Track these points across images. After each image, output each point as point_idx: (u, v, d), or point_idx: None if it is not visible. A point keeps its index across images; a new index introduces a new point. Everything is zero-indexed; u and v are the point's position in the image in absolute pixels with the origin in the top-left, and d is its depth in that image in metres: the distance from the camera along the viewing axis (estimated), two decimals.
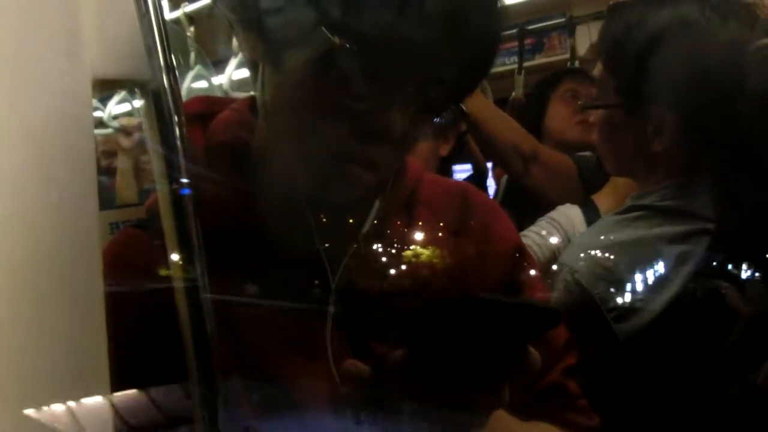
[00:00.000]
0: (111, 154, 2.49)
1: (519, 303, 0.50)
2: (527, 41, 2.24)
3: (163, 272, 0.47)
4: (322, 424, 0.59)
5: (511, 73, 2.16)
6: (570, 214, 1.26)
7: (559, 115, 1.70)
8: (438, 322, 0.49)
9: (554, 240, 1.20)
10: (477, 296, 0.48)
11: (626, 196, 0.95)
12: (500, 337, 0.49)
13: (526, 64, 2.18)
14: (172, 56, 0.47)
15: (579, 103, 1.67)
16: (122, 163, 2.30)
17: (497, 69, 2.37)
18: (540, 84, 1.84)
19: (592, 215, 1.24)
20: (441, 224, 0.68)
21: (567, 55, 2.16)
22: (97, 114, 2.31)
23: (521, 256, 0.71)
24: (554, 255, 1.16)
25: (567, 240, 1.22)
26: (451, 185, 0.74)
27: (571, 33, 2.10)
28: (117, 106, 2.36)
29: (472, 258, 0.67)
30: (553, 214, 1.27)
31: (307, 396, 0.60)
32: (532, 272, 0.73)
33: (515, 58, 2.11)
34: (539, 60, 2.45)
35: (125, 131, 2.30)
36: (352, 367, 0.52)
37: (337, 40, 0.52)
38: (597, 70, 0.97)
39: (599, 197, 1.29)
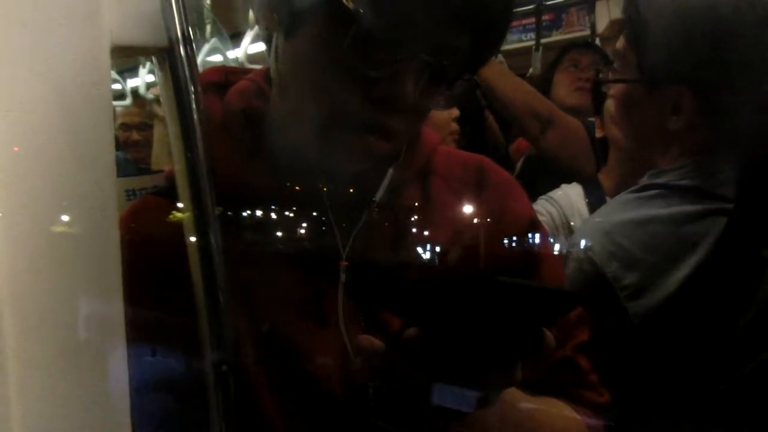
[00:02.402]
0: (131, 126, 2.51)
1: (535, 287, 0.50)
2: (545, 17, 2.21)
3: (179, 237, 0.48)
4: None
5: (528, 49, 2.14)
6: (570, 193, 1.26)
7: (562, 84, 1.85)
8: (452, 300, 0.49)
9: (545, 219, 1.21)
10: (493, 278, 0.47)
11: (633, 175, 0.94)
12: (516, 320, 0.49)
13: (543, 40, 2.16)
14: (189, 26, 0.47)
15: (597, 74, 1.74)
16: (159, 130, 2.32)
17: (515, 45, 2.35)
18: (549, 62, 1.98)
19: (595, 194, 1.24)
20: (455, 196, 0.68)
21: (586, 32, 2.13)
22: (132, 84, 2.33)
23: (536, 231, 0.70)
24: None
25: (564, 219, 1.22)
26: (467, 157, 0.73)
27: (591, 9, 2.07)
28: (150, 75, 2.35)
29: (486, 232, 0.67)
30: (553, 192, 1.27)
31: (318, 364, 0.61)
32: (548, 249, 0.72)
33: (533, 35, 2.09)
34: (557, 36, 2.41)
35: (159, 101, 2.32)
36: (366, 342, 0.52)
37: (351, 5, 0.52)
38: (619, 43, 0.95)
39: (604, 175, 1.29)
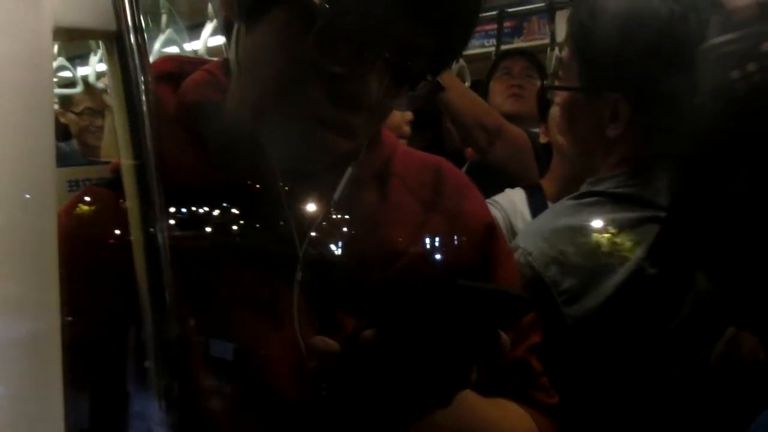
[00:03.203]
0: (96, 111, 2.42)
1: (492, 290, 0.50)
2: (506, 24, 2.25)
3: (124, 231, 0.46)
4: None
5: (489, 55, 2.17)
6: (514, 197, 1.30)
7: (497, 92, 1.94)
8: (408, 302, 0.49)
9: None
10: (450, 281, 0.47)
11: (574, 181, 0.96)
12: (471, 323, 0.49)
13: (504, 47, 2.19)
14: (140, 14, 0.45)
15: (543, 83, 1.82)
16: (110, 120, 2.25)
17: (477, 51, 2.38)
18: (487, 72, 2.08)
19: (537, 199, 1.27)
20: (413, 197, 0.67)
21: (546, 40, 2.17)
22: (83, 72, 2.25)
23: (492, 233, 0.71)
24: None
25: (508, 222, 1.25)
26: (425, 159, 0.73)
27: (551, 18, 2.11)
28: (101, 64, 2.29)
29: (443, 233, 0.67)
30: (497, 196, 1.31)
31: (271, 365, 0.59)
32: (503, 250, 0.73)
33: (495, 41, 2.12)
34: (518, 44, 2.45)
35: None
36: (320, 343, 0.51)
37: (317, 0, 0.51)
38: (564, 52, 0.98)
39: (547, 181, 1.33)
